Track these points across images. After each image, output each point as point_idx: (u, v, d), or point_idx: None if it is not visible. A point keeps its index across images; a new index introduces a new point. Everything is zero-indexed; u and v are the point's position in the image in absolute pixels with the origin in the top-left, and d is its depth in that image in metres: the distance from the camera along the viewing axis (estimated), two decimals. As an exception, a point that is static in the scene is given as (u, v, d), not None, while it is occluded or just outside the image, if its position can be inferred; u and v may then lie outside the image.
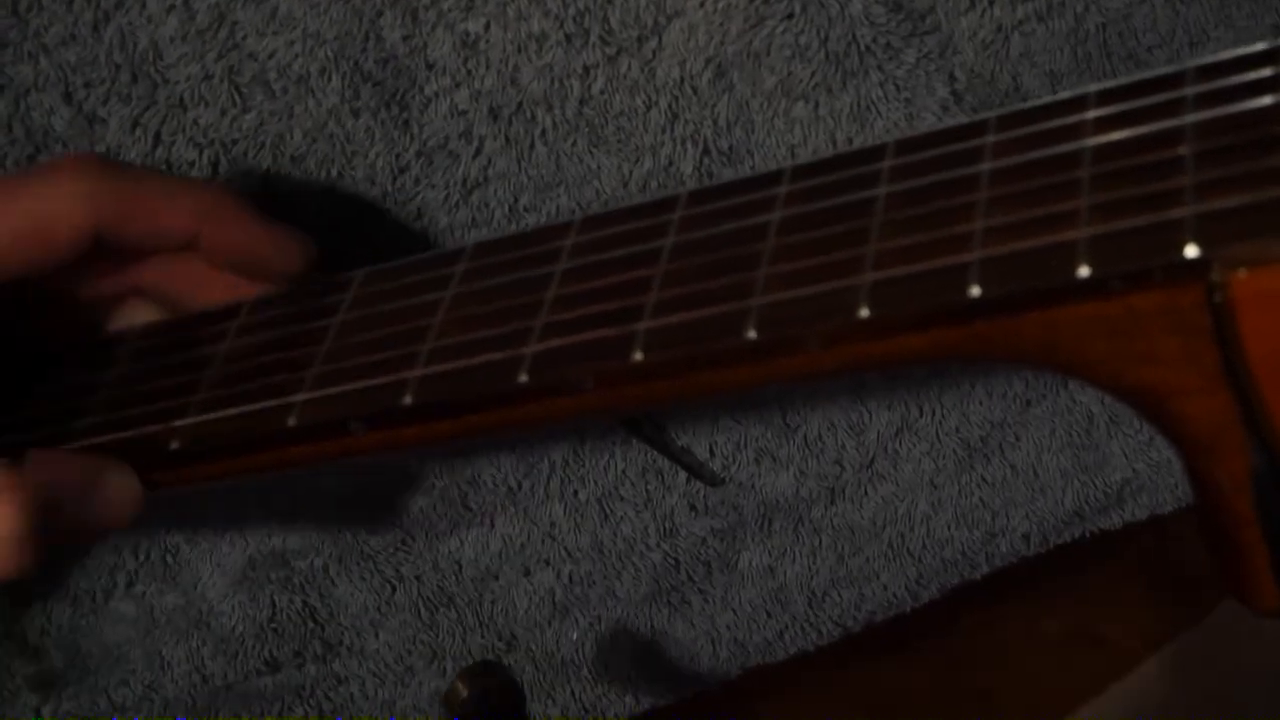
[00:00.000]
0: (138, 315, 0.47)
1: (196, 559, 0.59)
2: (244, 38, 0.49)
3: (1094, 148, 0.35)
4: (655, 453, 0.60)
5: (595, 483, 0.61)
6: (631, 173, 0.54)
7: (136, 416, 0.43)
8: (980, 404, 0.63)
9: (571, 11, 0.51)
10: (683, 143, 0.54)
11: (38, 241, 0.41)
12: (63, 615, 0.58)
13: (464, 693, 0.39)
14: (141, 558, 0.58)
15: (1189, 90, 0.36)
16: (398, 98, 0.51)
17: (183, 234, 0.43)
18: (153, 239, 0.43)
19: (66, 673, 0.59)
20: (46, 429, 0.44)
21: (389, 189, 0.52)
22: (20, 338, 0.46)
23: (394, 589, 0.61)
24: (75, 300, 0.46)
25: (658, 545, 0.63)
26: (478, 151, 0.53)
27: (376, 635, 0.62)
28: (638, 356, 0.37)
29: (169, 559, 0.59)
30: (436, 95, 0.52)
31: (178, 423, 0.42)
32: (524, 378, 0.38)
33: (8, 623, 0.58)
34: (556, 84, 0.52)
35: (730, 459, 0.61)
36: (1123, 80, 0.37)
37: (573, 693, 0.66)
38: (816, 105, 0.55)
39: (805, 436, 0.62)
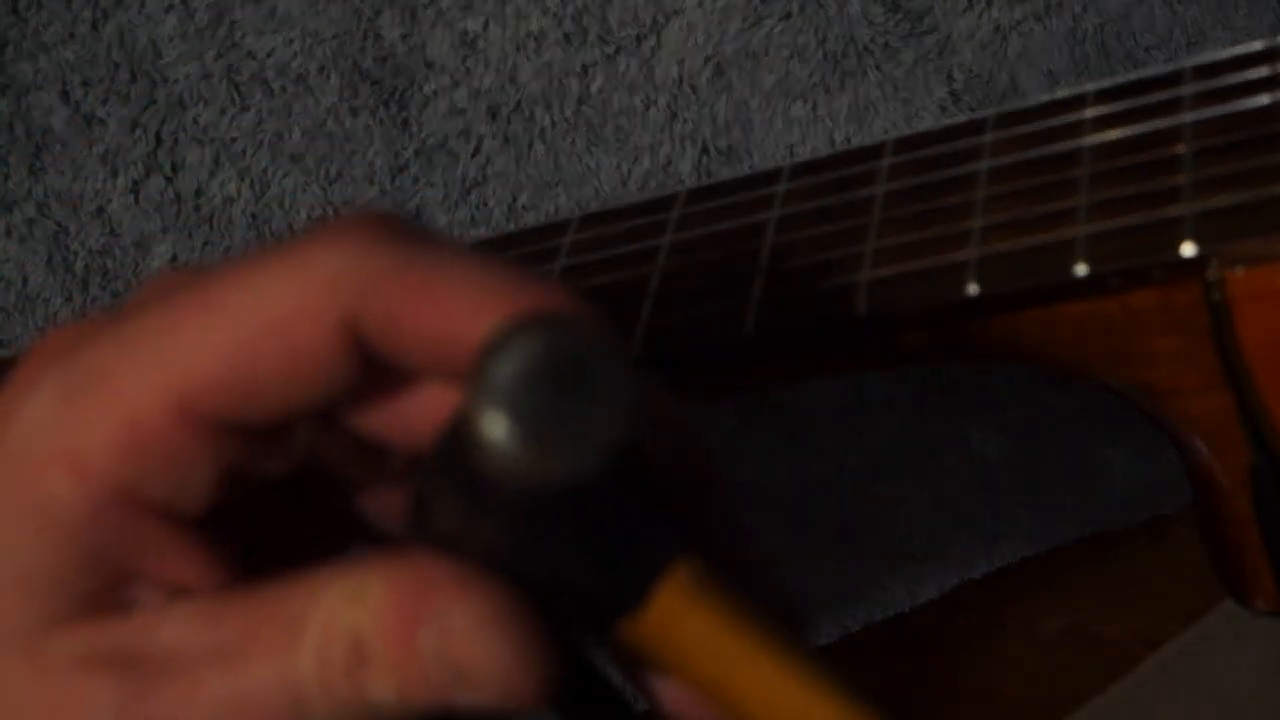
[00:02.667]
0: None
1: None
2: (243, 36, 0.49)
3: (1092, 146, 0.35)
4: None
5: (594, 482, 0.61)
6: (630, 171, 0.54)
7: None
8: (980, 404, 0.63)
9: (570, 10, 0.51)
10: (681, 142, 0.54)
11: (273, 355, 0.24)
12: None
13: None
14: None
15: (1186, 89, 0.36)
16: (396, 96, 0.51)
17: (329, 351, 0.24)
18: (437, 351, 0.24)
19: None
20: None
21: (388, 187, 0.52)
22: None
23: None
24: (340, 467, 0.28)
25: (657, 545, 0.63)
26: (476, 150, 0.53)
27: (375, 635, 0.62)
28: (636, 353, 0.37)
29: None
30: (435, 94, 0.52)
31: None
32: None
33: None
34: (555, 83, 0.52)
35: (729, 459, 0.61)
36: (1120, 79, 0.37)
37: (572, 692, 0.66)
38: (815, 105, 0.55)
39: (804, 436, 0.61)
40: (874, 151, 0.39)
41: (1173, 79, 0.36)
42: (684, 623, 0.23)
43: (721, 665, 0.23)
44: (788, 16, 0.53)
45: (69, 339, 0.25)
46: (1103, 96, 0.37)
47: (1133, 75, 0.37)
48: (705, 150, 0.54)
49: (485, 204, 0.53)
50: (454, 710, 0.23)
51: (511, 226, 0.54)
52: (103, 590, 0.24)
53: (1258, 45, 0.36)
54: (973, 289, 0.33)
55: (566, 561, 0.23)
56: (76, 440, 0.24)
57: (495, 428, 0.21)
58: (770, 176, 0.40)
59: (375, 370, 0.25)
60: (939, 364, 0.61)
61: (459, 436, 0.22)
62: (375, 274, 0.24)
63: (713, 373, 0.37)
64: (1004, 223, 0.34)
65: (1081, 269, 0.32)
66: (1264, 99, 0.34)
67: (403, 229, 0.24)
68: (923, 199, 0.37)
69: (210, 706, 0.24)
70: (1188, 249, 0.31)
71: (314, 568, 0.24)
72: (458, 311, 0.24)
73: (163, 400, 0.23)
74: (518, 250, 0.42)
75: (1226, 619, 0.61)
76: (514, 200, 0.54)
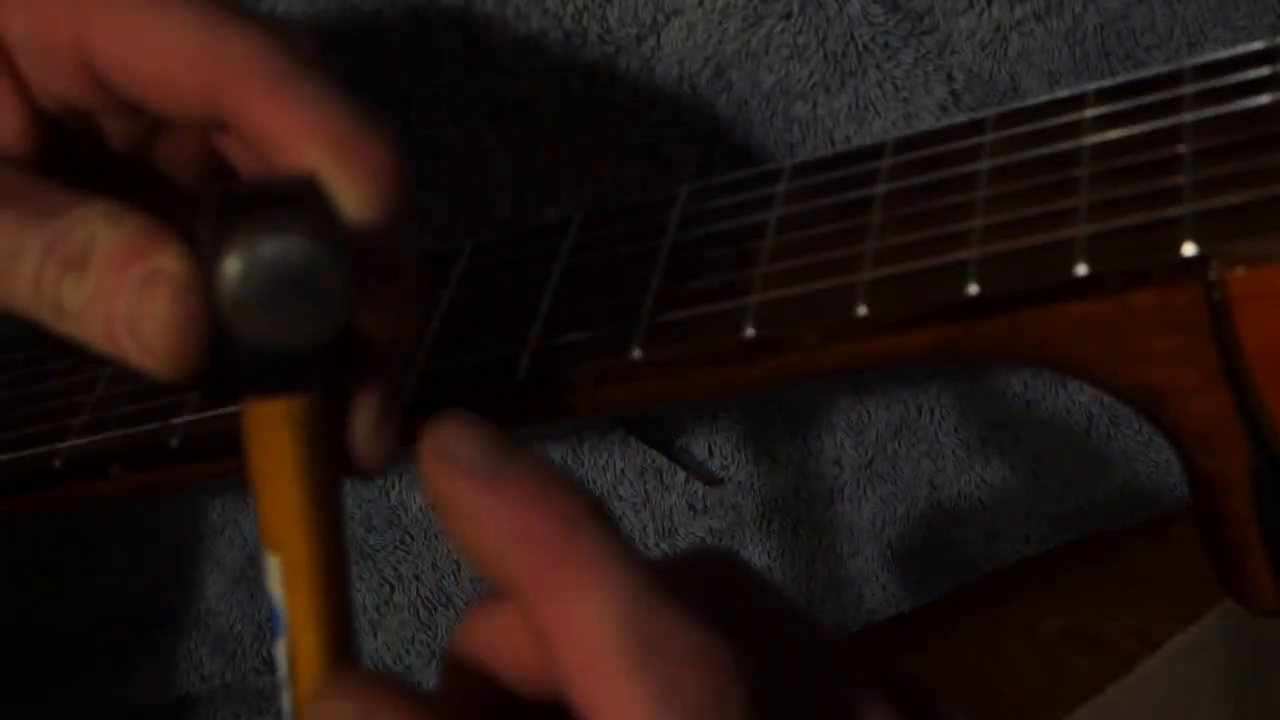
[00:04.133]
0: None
1: (196, 557, 0.59)
2: (243, 36, 0.49)
3: (1092, 146, 0.35)
4: (654, 452, 0.60)
5: (593, 482, 0.61)
6: (630, 172, 0.54)
7: (133, 414, 0.43)
8: (980, 404, 0.63)
9: (570, 10, 0.51)
10: (681, 142, 0.54)
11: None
12: (63, 616, 0.58)
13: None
14: (142, 557, 0.58)
15: (1187, 89, 0.36)
16: (398, 97, 0.51)
17: (192, 99, 0.30)
18: (149, 92, 0.30)
19: (66, 675, 0.59)
20: (41, 426, 0.44)
21: (388, 188, 0.52)
22: None
23: (392, 589, 0.61)
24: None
25: (656, 545, 0.63)
26: (477, 150, 0.53)
27: (375, 635, 0.62)
28: (636, 354, 0.37)
29: (168, 557, 0.59)
30: (437, 94, 0.52)
31: (176, 420, 0.42)
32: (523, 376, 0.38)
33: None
34: (556, 83, 0.52)
35: (729, 459, 0.61)
36: (1121, 79, 0.37)
37: (571, 693, 0.66)
38: (815, 105, 0.54)
39: (804, 436, 0.61)
40: (874, 151, 0.39)
41: (1173, 79, 0.36)
42: (264, 434, 0.28)
43: (266, 480, 0.28)
44: (788, 16, 0.53)
45: None
46: (1103, 96, 0.37)
47: (1133, 75, 0.37)
48: (706, 150, 0.54)
49: (486, 204, 0.53)
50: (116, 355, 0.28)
51: (512, 227, 0.54)
52: None
53: (1258, 45, 0.36)
54: (973, 289, 0.33)
55: (231, 340, 0.27)
56: None
57: (233, 292, 0.26)
58: (770, 176, 0.40)
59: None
60: (939, 364, 0.61)
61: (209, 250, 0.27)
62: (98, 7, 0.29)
63: (713, 374, 0.37)
64: (1004, 222, 0.34)
65: (1082, 269, 0.32)
66: (1264, 99, 0.34)
67: None
68: (923, 199, 0.37)
69: None
70: (1188, 249, 0.31)
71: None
72: (163, 54, 0.29)
73: None
74: (517, 252, 0.42)
75: (1226, 619, 0.61)
76: (515, 200, 0.54)
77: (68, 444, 0.43)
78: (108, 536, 0.58)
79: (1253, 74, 0.35)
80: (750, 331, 0.36)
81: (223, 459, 0.42)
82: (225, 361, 0.28)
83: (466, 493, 0.25)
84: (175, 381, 0.29)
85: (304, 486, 0.29)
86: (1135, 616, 0.63)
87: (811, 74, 0.54)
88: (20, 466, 0.43)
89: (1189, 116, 0.35)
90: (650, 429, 0.59)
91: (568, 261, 0.41)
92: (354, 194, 0.28)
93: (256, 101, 0.29)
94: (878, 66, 0.55)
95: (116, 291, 0.28)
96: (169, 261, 0.28)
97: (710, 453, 0.61)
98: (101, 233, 0.28)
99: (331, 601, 0.29)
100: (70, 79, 0.30)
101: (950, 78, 0.56)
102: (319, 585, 0.29)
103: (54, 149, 0.32)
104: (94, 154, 0.33)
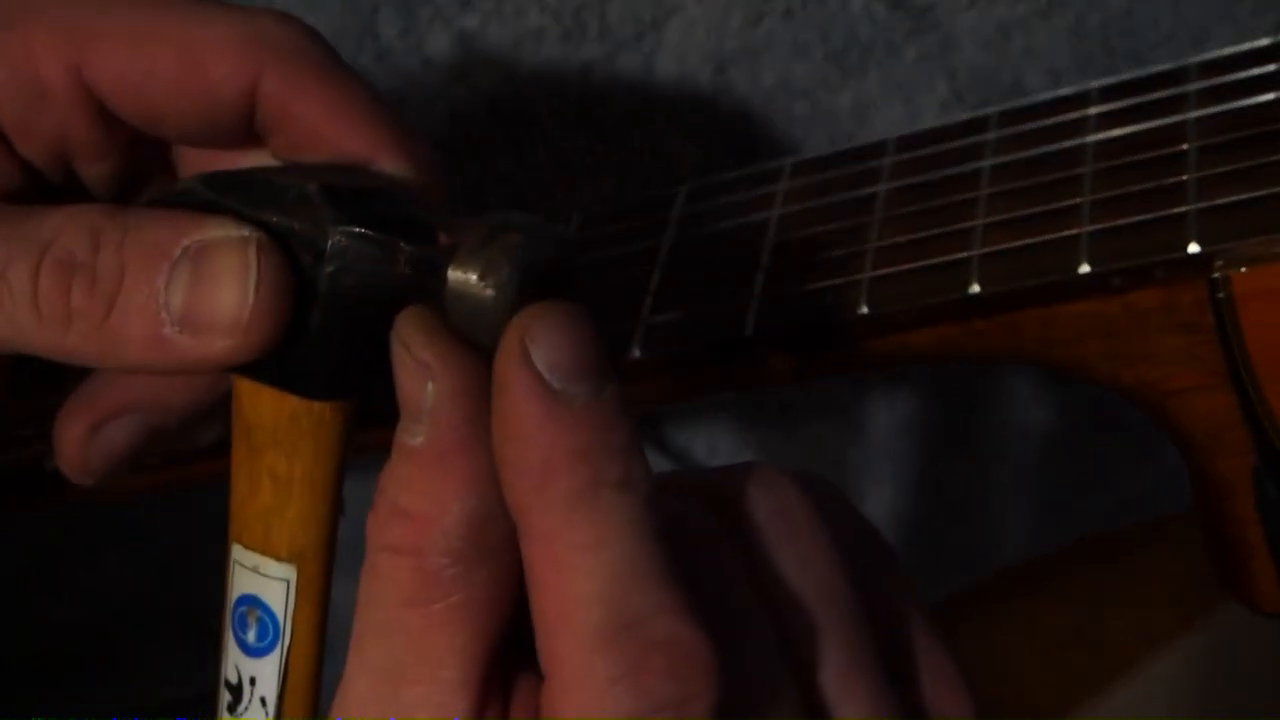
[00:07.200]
0: None
1: (195, 557, 0.59)
2: (242, 34, 0.49)
3: (1095, 144, 0.35)
4: (654, 452, 0.60)
5: (594, 482, 0.61)
6: (630, 171, 0.54)
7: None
8: (980, 404, 0.63)
9: (570, 7, 0.51)
10: (682, 140, 0.54)
11: (21, 96, 0.27)
12: (63, 616, 0.58)
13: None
14: (141, 557, 0.58)
15: (1191, 86, 0.36)
16: (395, 96, 0.51)
17: (227, 85, 0.27)
18: (170, 94, 0.27)
19: (66, 674, 0.59)
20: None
21: (387, 187, 0.52)
22: None
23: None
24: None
25: (657, 545, 0.63)
26: (476, 150, 0.53)
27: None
28: (636, 354, 0.37)
29: (168, 557, 0.58)
30: (435, 93, 0.51)
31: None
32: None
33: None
34: (555, 81, 0.52)
35: (730, 459, 0.61)
36: (1125, 76, 0.37)
37: (571, 693, 0.65)
38: (816, 103, 0.54)
39: (805, 436, 0.61)
40: (876, 149, 0.39)
41: (1177, 76, 0.36)
42: (319, 438, 0.26)
43: (304, 486, 0.26)
44: (789, 13, 0.53)
45: None
46: (1107, 94, 0.37)
47: (1137, 72, 0.37)
48: (705, 149, 0.54)
49: (486, 204, 0.53)
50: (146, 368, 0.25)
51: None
52: None
53: (1263, 42, 0.36)
54: (975, 288, 0.33)
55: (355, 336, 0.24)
56: None
57: (508, 302, 0.24)
58: (772, 175, 0.40)
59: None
60: (939, 364, 0.61)
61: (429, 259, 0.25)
62: (94, 23, 0.26)
63: (713, 372, 0.37)
64: (1007, 221, 0.34)
65: (1084, 267, 0.32)
66: (1269, 96, 0.34)
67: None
68: (925, 197, 0.37)
69: None
70: (1192, 247, 0.31)
71: None
72: (194, 53, 0.26)
73: None
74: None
75: (1226, 619, 0.61)
76: (515, 200, 0.54)
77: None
78: (108, 536, 0.58)
79: (1257, 71, 0.35)
80: (750, 330, 0.36)
81: (223, 458, 0.41)
82: (320, 359, 0.25)
83: (526, 406, 0.23)
84: (236, 367, 0.25)
85: (336, 496, 0.26)
86: (1135, 616, 0.63)
87: (813, 72, 0.54)
88: (19, 467, 0.43)
89: (1193, 114, 0.35)
90: (650, 429, 0.59)
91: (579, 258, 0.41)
92: (417, 185, 0.27)
93: (303, 84, 0.26)
94: (879, 64, 0.55)
95: (154, 280, 0.24)
96: (226, 230, 0.24)
97: (711, 453, 0.61)
98: (106, 226, 0.25)
99: (324, 622, 0.27)
100: (64, 115, 0.27)
101: (952, 75, 0.55)
102: (324, 604, 0.27)
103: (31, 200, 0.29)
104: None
